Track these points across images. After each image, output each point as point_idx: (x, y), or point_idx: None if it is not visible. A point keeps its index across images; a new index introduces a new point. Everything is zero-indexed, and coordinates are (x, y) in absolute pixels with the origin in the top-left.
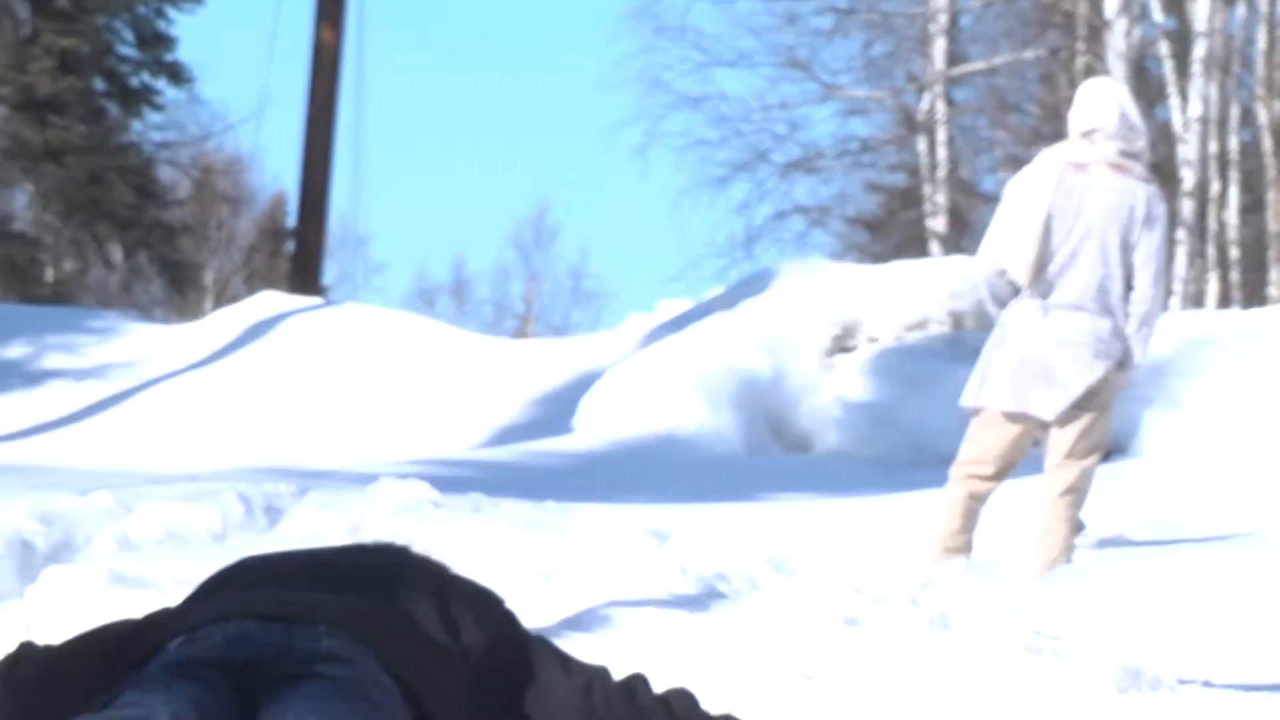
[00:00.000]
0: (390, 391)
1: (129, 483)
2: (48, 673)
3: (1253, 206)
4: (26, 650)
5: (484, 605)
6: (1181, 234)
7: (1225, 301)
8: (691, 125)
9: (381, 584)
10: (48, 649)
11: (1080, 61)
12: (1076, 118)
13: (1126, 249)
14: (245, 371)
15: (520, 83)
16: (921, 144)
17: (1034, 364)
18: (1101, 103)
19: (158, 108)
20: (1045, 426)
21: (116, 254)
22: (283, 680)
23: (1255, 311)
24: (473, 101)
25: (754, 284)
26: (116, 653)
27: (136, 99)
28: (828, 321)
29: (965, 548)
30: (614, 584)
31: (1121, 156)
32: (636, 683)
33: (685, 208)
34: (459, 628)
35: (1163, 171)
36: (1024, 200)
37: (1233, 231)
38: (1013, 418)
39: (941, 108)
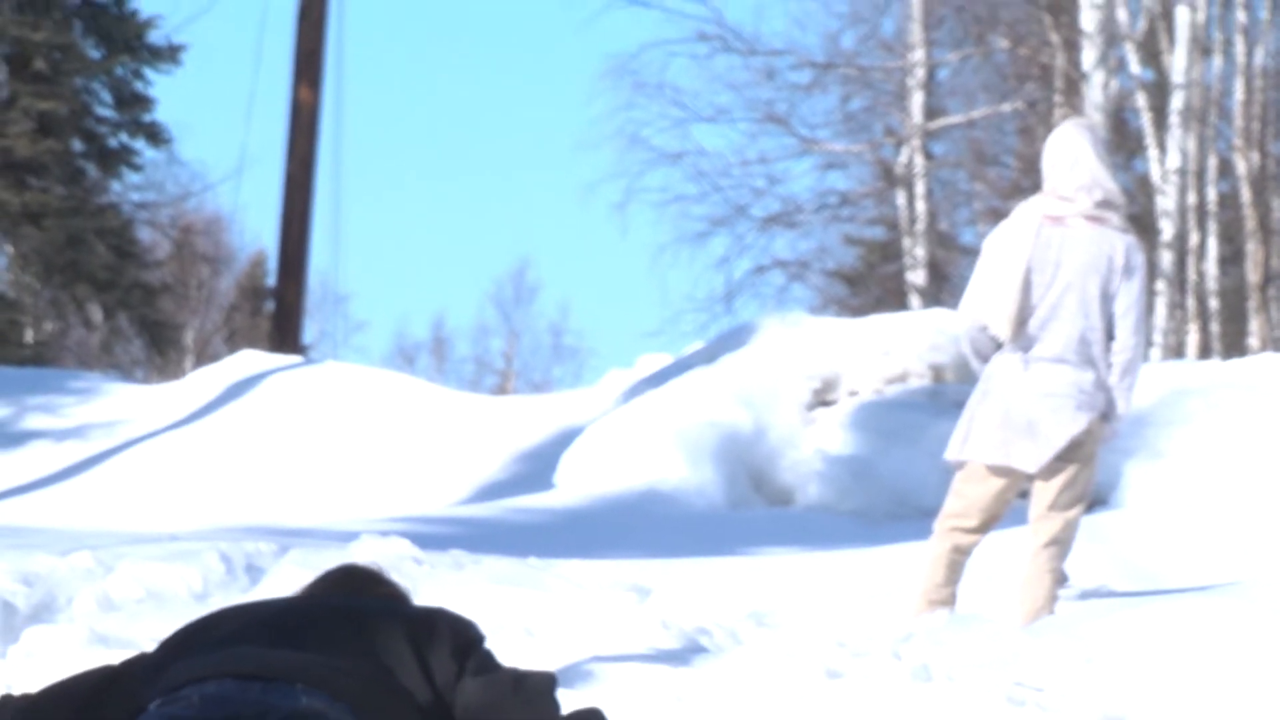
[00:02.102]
0: (371, 449)
1: (110, 543)
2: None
3: (1232, 258)
4: (4, 701)
5: (462, 644)
6: (1161, 285)
7: (1205, 352)
8: (670, 181)
9: (356, 634)
10: (25, 697)
11: (1058, 114)
12: (1048, 172)
13: (1106, 300)
14: (226, 430)
15: (499, 140)
16: (900, 197)
17: (1017, 417)
18: (1070, 156)
19: (136, 168)
20: (1029, 479)
21: (96, 315)
22: None
23: (1235, 362)
24: (452, 159)
25: (734, 339)
26: (94, 699)
27: (115, 160)
28: (808, 375)
29: (949, 600)
30: (596, 639)
31: (1097, 208)
32: None
33: (665, 263)
34: (433, 671)
35: (1141, 223)
36: (1003, 255)
37: (1212, 282)
38: (997, 471)
39: (920, 161)
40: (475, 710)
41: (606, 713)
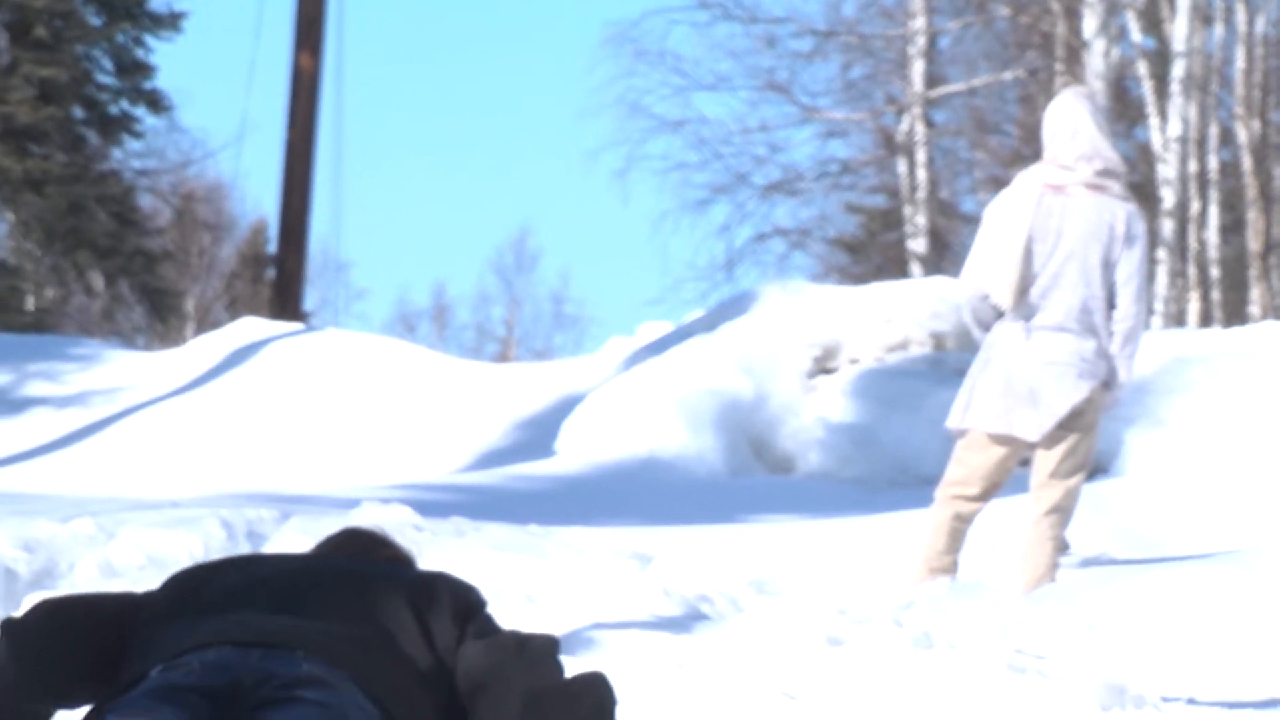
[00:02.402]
0: (372, 416)
1: (111, 509)
2: (49, 618)
3: (1233, 226)
4: (40, 603)
5: (463, 609)
6: (1162, 253)
7: (1206, 320)
8: (671, 149)
9: (358, 598)
10: (57, 599)
11: (1059, 82)
12: (1049, 141)
13: (1108, 268)
14: (227, 397)
15: (500, 108)
16: (901, 166)
17: (1019, 385)
18: (1070, 124)
19: (137, 136)
20: (1031, 447)
21: (98, 282)
22: (263, 704)
23: (1236, 330)
24: (453, 127)
25: (735, 306)
26: (110, 628)
27: (116, 127)
28: (809, 343)
29: (951, 568)
30: (597, 606)
31: (1098, 176)
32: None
33: (665, 231)
34: (434, 635)
35: (1143, 191)
36: (1004, 224)
37: (1213, 250)
38: (998, 439)
39: (921, 129)
40: (477, 674)
41: (613, 682)
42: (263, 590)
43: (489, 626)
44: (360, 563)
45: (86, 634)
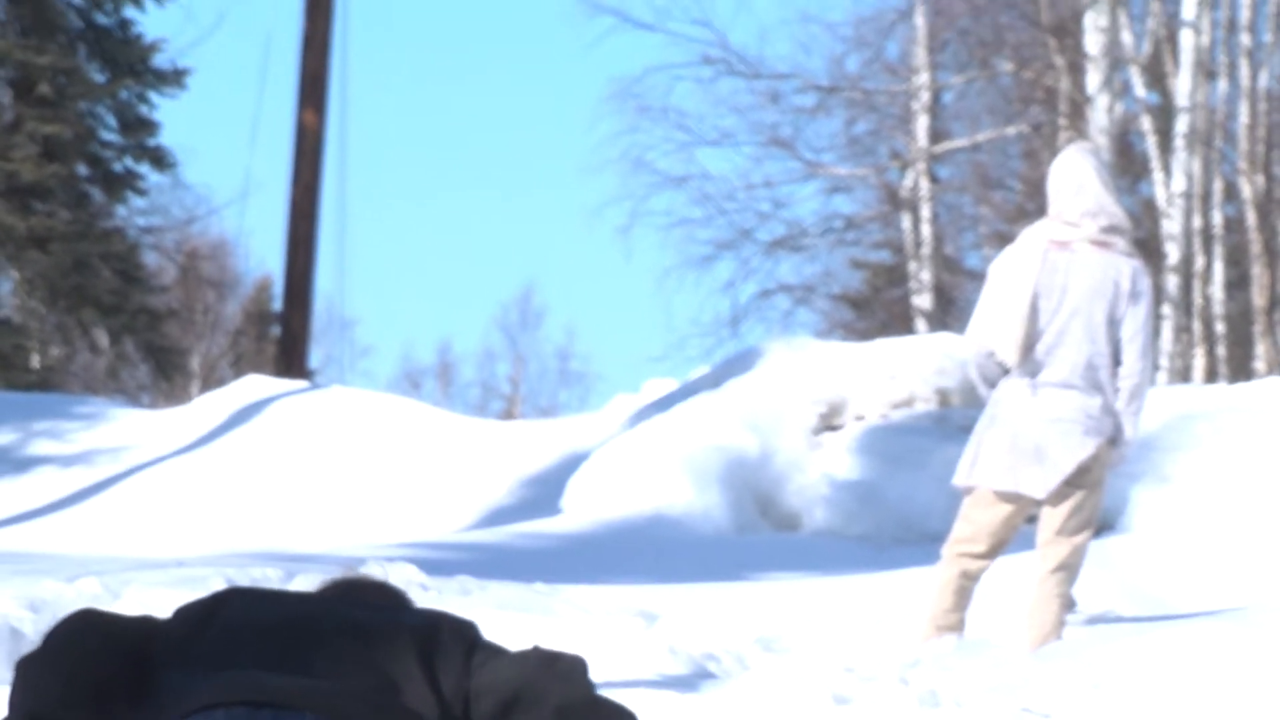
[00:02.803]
0: (377, 474)
1: (116, 569)
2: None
3: (1237, 281)
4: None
5: (467, 646)
6: (1167, 309)
7: (1211, 376)
8: (675, 205)
9: (363, 649)
10: (107, 616)
11: (1063, 137)
12: (1053, 197)
13: (1113, 325)
14: (232, 456)
15: (504, 166)
16: (905, 221)
17: (1025, 443)
18: (1075, 180)
19: (141, 193)
20: (1037, 504)
21: (102, 339)
22: None
23: (1241, 386)
24: (457, 185)
25: (740, 363)
26: (143, 651)
27: (120, 184)
28: (814, 400)
29: (957, 626)
30: (604, 665)
31: (1103, 232)
32: None
33: (670, 287)
34: (440, 679)
35: (1147, 247)
36: (1009, 281)
37: (1218, 306)
38: (1005, 497)
39: (925, 184)
40: (506, 688)
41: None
42: (269, 641)
43: (501, 648)
44: (362, 608)
45: (106, 653)
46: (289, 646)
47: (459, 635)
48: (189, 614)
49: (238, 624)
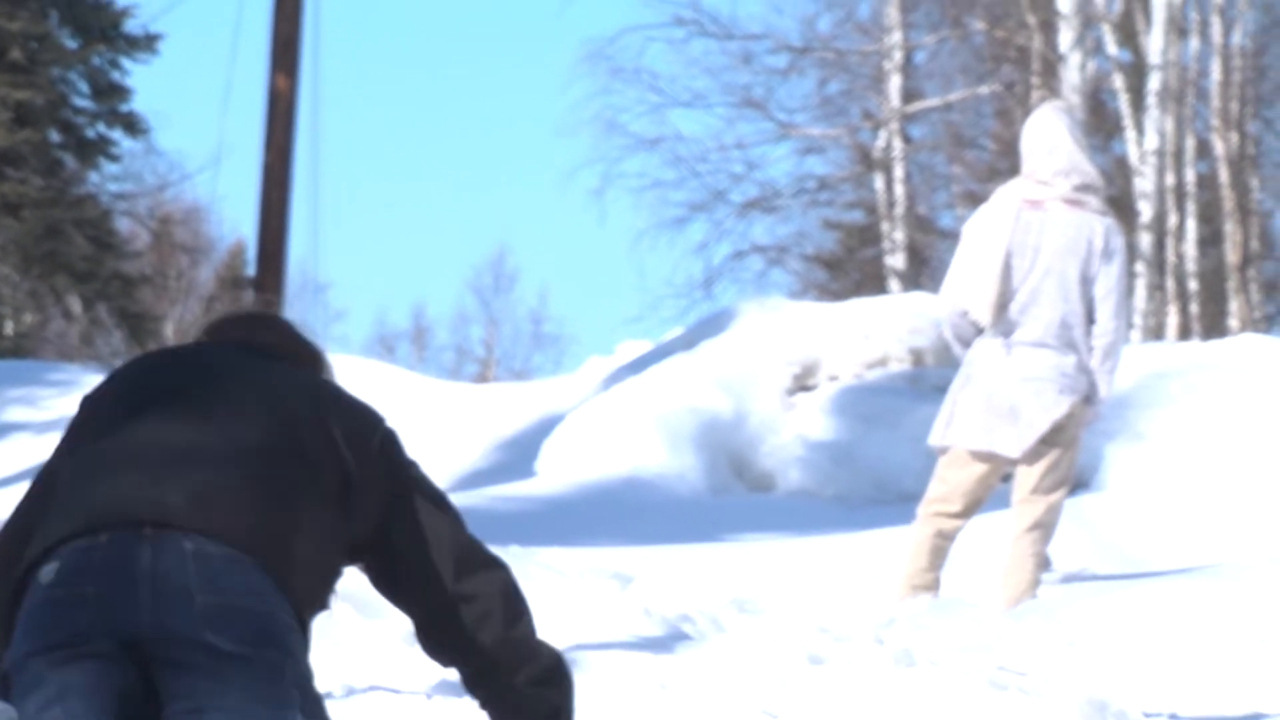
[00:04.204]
0: None
1: None
2: None
3: (1210, 239)
4: None
5: (364, 427)
6: (1140, 267)
7: (1185, 333)
8: (648, 167)
9: (271, 414)
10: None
11: (1035, 96)
12: (1026, 156)
13: (1086, 283)
14: None
15: (477, 127)
16: (879, 181)
17: (999, 402)
18: (1048, 139)
19: (114, 159)
20: (1012, 463)
21: (76, 306)
22: (172, 665)
23: (1215, 343)
24: (429, 147)
25: (713, 324)
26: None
27: (93, 150)
28: (788, 360)
29: (933, 585)
30: (579, 627)
31: (1076, 191)
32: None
33: (643, 249)
34: (340, 452)
35: (1120, 205)
36: (982, 240)
37: (1191, 264)
38: (980, 456)
39: (898, 145)
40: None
41: (595, 702)
42: (165, 412)
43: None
44: (272, 364)
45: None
46: (188, 410)
47: (357, 415)
48: (89, 405)
49: (135, 397)
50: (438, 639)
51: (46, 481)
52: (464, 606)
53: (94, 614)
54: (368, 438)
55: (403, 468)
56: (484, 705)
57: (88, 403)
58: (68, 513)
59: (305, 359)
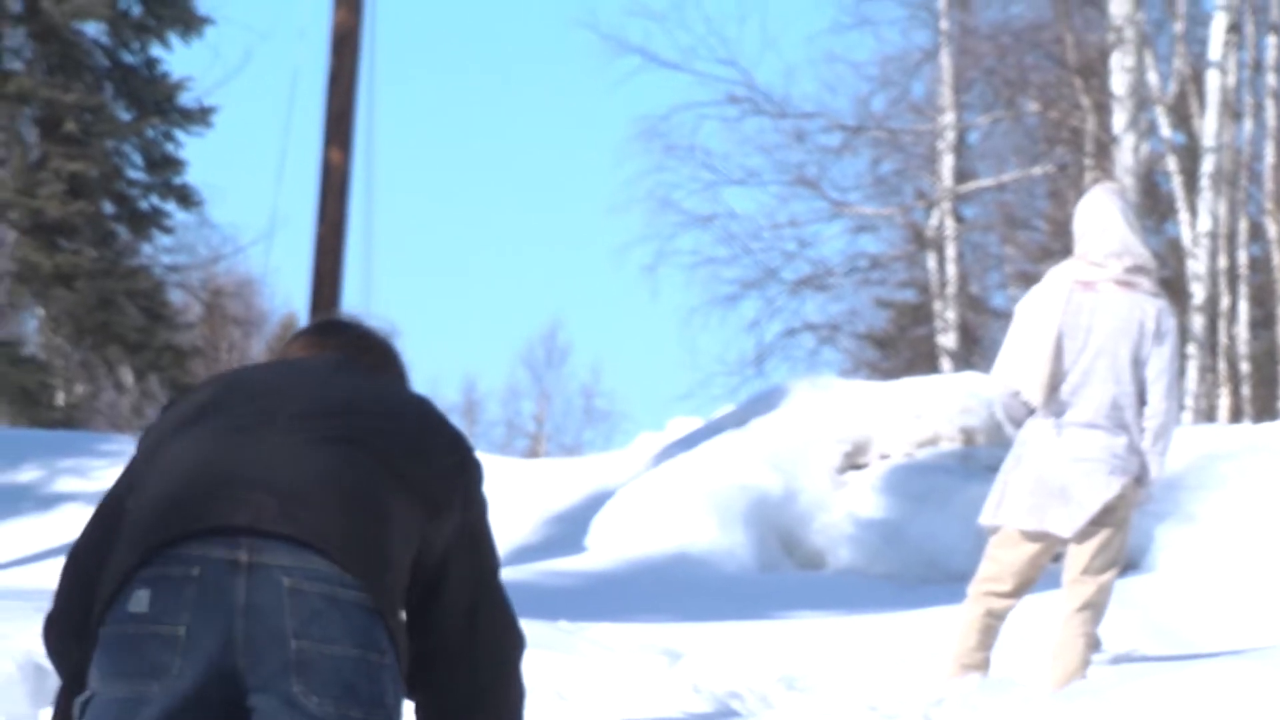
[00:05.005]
0: None
1: None
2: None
3: (1263, 321)
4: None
5: (454, 451)
6: (1192, 349)
7: (1237, 416)
8: (701, 244)
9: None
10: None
11: (1089, 177)
12: (1079, 237)
13: (1138, 365)
14: None
15: (531, 203)
16: (931, 260)
17: (1051, 482)
18: (1101, 220)
19: (167, 231)
20: (1063, 543)
21: (128, 377)
22: (257, 713)
23: (1266, 426)
24: (483, 222)
25: (764, 402)
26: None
27: (146, 222)
28: (839, 438)
29: (982, 665)
30: (628, 703)
31: (1128, 273)
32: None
33: (695, 326)
34: (429, 473)
35: (1172, 286)
36: (1034, 321)
37: (1243, 346)
38: (1031, 536)
39: (950, 224)
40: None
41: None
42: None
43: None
44: (368, 387)
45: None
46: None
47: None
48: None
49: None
50: (428, 676)
51: (128, 485)
52: (475, 650)
53: (185, 649)
54: (457, 464)
55: (478, 503)
56: None
57: (169, 413)
58: (155, 523)
59: (385, 363)
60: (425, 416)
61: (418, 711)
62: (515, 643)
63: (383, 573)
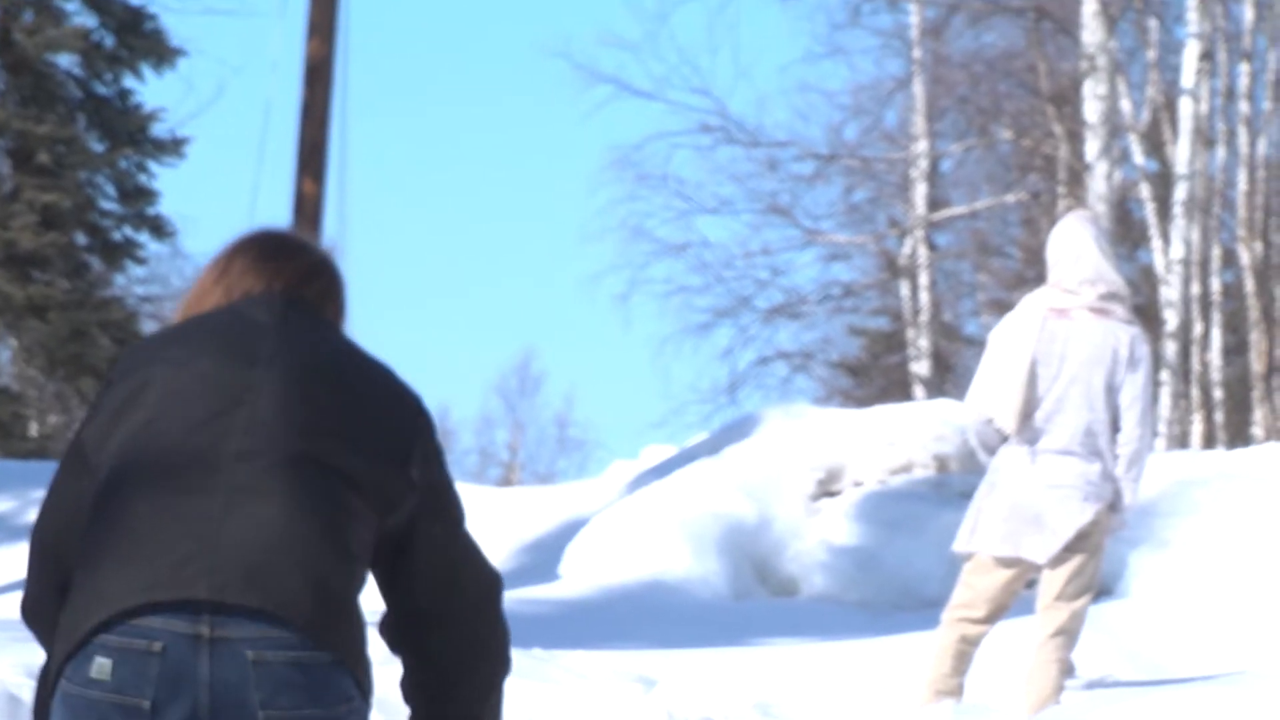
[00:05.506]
0: None
1: None
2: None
3: (1236, 348)
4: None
5: (405, 412)
6: (1165, 375)
7: (1210, 442)
8: (674, 272)
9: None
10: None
11: (1062, 205)
12: (1052, 265)
13: (1111, 392)
14: None
15: (504, 232)
16: (904, 288)
17: (1025, 509)
18: (1074, 248)
19: (140, 261)
20: (1037, 570)
21: None
22: None
23: (1239, 452)
24: (456, 251)
25: (738, 430)
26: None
27: (119, 253)
28: (812, 466)
29: (956, 691)
30: None
31: (1102, 300)
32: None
33: (668, 354)
34: (384, 444)
35: (1145, 313)
36: (1008, 348)
37: (1216, 372)
38: (1005, 562)
39: (923, 252)
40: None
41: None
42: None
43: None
44: (322, 357)
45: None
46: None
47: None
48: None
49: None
50: (412, 635)
51: (79, 453)
52: (454, 604)
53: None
54: (411, 425)
55: (436, 456)
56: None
57: (131, 379)
58: (116, 589)
59: (330, 291)
60: (381, 395)
61: (407, 672)
62: (491, 585)
63: (349, 621)
